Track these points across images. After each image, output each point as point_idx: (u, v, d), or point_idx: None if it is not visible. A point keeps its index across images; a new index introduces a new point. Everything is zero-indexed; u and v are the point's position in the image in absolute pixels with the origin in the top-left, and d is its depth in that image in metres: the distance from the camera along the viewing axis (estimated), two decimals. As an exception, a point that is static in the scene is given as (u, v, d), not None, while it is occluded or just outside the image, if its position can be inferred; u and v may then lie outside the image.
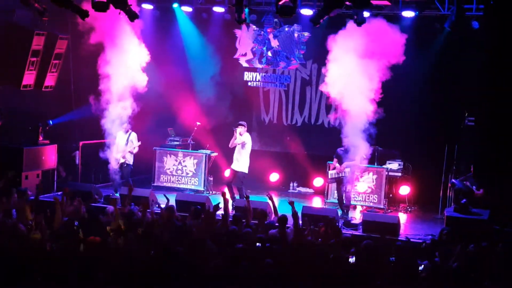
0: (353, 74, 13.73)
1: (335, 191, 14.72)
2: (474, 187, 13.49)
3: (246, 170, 14.66)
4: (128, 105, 14.98)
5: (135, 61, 15.01)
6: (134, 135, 15.20)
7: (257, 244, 9.32)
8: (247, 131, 15.01)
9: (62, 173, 16.38)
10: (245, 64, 16.77)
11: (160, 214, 11.11)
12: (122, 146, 15.08)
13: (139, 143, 15.27)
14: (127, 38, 14.90)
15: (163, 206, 11.87)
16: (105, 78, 14.84)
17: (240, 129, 14.56)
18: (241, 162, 14.62)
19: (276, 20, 15.90)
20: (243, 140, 14.56)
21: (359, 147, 13.89)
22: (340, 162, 14.19)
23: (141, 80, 15.00)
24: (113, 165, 15.06)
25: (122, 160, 15.02)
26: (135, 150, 15.24)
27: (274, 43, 16.17)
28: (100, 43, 14.67)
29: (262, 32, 16.20)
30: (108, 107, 14.88)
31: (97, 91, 14.92)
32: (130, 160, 15.25)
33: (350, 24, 13.14)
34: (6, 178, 12.16)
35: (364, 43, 13.55)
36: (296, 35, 15.97)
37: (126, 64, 14.91)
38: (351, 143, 13.91)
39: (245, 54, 16.56)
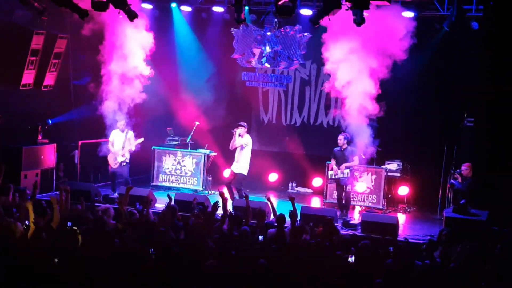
0: (353, 70, 13.78)
1: (335, 191, 14.69)
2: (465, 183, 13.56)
3: (245, 172, 14.56)
4: (129, 102, 15.15)
5: (136, 56, 15.19)
6: (131, 134, 15.15)
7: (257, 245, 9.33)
8: (247, 131, 14.96)
9: (60, 173, 16.37)
10: (244, 64, 16.76)
11: (161, 213, 11.13)
12: (120, 144, 15.00)
13: (142, 139, 15.23)
14: (128, 33, 15.07)
15: (162, 205, 11.85)
16: (106, 76, 14.98)
17: (239, 130, 14.45)
18: (241, 163, 14.51)
19: (276, 20, 15.88)
20: (241, 143, 14.46)
21: (356, 146, 13.94)
22: (338, 162, 14.12)
23: (145, 73, 15.27)
24: (112, 165, 15.04)
25: (122, 159, 14.96)
26: (133, 149, 15.20)
27: (275, 43, 16.16)
28: (100, 40, 14.82)
29: (262, 32, 16.19)
30: (109, 104, 14.99)
31: (97, 89, 15.02)
32: (127, 158, 15.19)
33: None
34: (1, 171, 12.08)
35: (364, 36, 13.57)
36: (299, 35, 15.97)
37: (127, 60, 15.10)
38: (345, 142, 13.96)
39: (244, 54, 16.53)
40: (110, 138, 15.04)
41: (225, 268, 7.84)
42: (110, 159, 15.05)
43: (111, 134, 15.06)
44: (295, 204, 11.16)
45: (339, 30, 13.78)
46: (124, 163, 15.02)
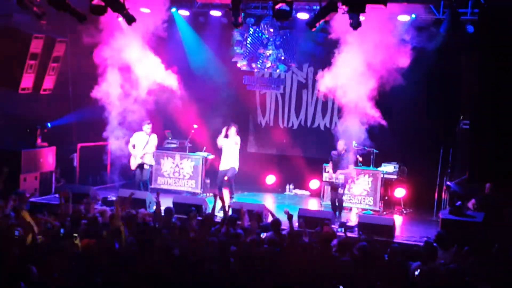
0: (351, 75, 13.89)
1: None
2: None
3: (237, 166, 15.05)
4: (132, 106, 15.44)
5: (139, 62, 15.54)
6: (154, 137, 15.26)
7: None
8: (241, 134, 15.24)
9: (58, 176, 16.40)
10: (244, 68, 16.80)
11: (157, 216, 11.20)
12: (141, 147, 15.10)
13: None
14: (127, 38, 15.22)
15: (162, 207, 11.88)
16: (104, 81, 15.11)
17: (233, 130, 14.91)
18: (233, 159, 15.05)
19: (277, 24, 15.96)
20: (235, 140, 14.83)
21: (352, 153, 14.06)
22: (335, 167, 14.17)
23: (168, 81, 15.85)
24: (131, 167, 15.24)
25: (140, 161, 15.11)
26: (150, 151, 15.25)
27: (276, 47, 16.22)
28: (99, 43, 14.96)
29: (262, 36, 16.24)
30: (109, 108, 15.15)
31: (96, 92, 15.16)
32: (150, 161, 15.28)
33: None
34: (2, 175, 12.14)
35: (361, 39, 13.67)
36: (298, 39, 16.08)
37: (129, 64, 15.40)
38: (344, 148, 14.03)
39: (243, 57, 16.59)
40: (131, 140, 15.20)
41: (222, 271, 7.89)
42: (131, 161, 15.28)
43: (133, 136, 15.21)
44: (292, 207, 11.18)
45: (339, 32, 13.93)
46: (147, 166, 15.20)
